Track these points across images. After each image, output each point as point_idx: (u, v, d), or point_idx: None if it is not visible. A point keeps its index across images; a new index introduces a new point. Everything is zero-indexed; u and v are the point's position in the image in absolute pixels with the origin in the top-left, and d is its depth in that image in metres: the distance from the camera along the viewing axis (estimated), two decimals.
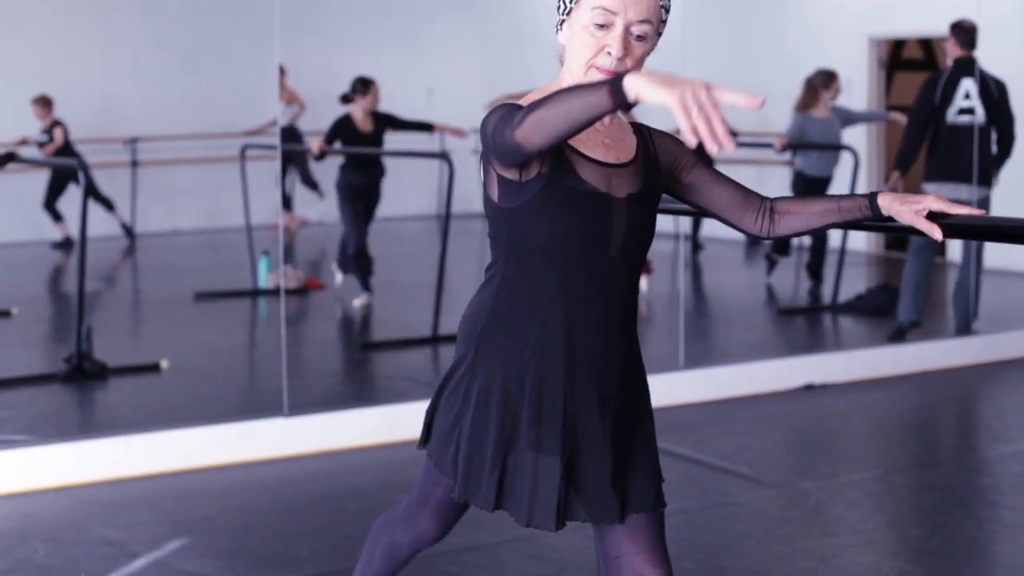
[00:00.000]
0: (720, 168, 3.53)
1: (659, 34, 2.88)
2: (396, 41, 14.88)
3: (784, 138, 10.46)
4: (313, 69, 13.75)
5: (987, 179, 8.80)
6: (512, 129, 2.67)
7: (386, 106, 10.21)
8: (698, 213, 3.17)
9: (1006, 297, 10.13)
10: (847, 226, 3.10)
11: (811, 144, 10.44)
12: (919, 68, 13.84)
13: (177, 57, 14.26)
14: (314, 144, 9.85)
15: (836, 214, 3.03)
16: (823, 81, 10.44)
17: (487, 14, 15.59)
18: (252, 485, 6.03)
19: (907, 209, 2.92)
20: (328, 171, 11.80)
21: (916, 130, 8.86)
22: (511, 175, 2.82)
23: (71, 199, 12.57)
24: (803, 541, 5.22)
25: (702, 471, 6.12)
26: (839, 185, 10.81)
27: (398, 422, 6.62)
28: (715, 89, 2.40)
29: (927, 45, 14.07)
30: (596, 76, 2.82)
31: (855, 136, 11.91)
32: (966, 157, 8.68)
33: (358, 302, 10.12)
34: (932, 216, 2.91)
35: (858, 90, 12.78)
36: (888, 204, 2.95)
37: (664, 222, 3.12)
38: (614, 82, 2.49)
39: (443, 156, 9.46)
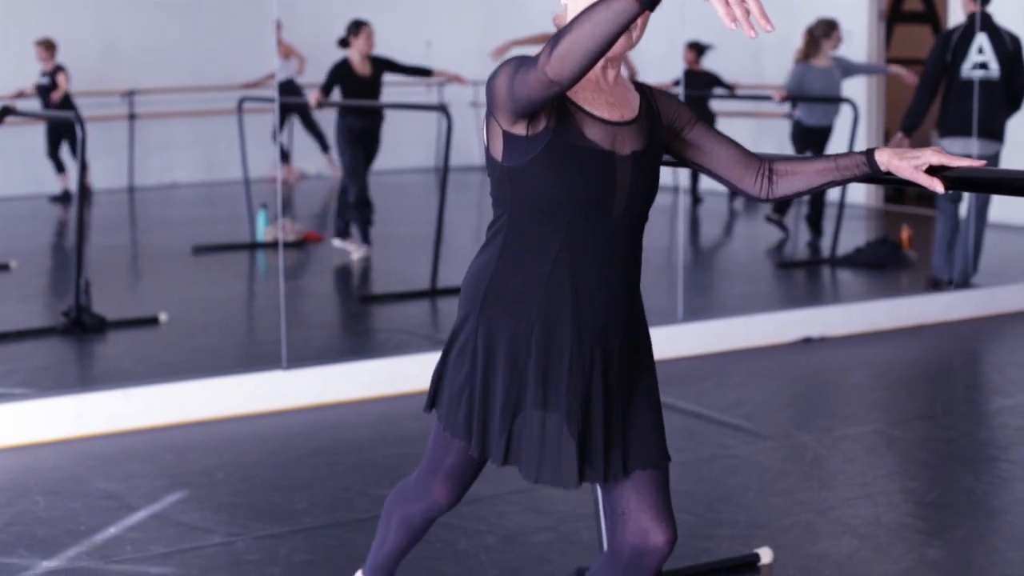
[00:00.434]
0: (720, 120, 3.52)
1: None
2: None
3: (783, 89, 10.42)
4: (311, 22, 13.70)
5: (999, 134, 8.78)
6: (541, 68, 2.64)
7: None
8: (698, 170, 3.16)
9: (1006, 251, 10.12)
10: (847, 183, 3.09)
11: (810, 96, 10.41)
12: (919, 21, 13.80)
13: (175, 9, 14.19)
14: (312, 95, 9.81)
15: (834, 172, 3.02)
16: (824, 31, 10.39)
17: None
18: (251, 438, 6.04)
19: (906, 164, 2.91)
20: (329, 122, 11.77)
21: (927, 86, 8.85)
22: (518, 130, 2.81)
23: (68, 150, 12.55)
24: (801, 493, 5.23)
25: (700, 424, 6.13)
26: (839, 136, 10.78)
27: (396, 375, 6.63)
28: None
29: None
30: None
31: (854, 89, 11.87)
32: (979, 112, 8.66)
33: (357, 254, 10.11)
34: (932, 170, 2.90)
35: (858, 42, 12.73)
36: (887, 160, 2.94)
37: (663, 175, 3.11)
38: None
39: (441, 109, 9.43)
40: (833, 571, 4.41)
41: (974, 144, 8.63)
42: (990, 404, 6.88)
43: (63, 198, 13.05)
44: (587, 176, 2.84)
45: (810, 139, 10.47)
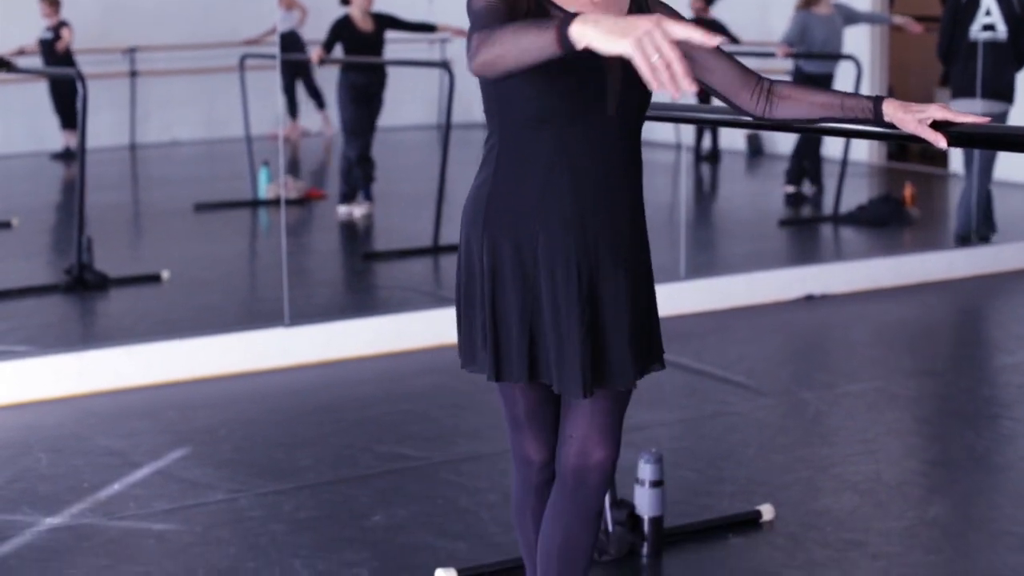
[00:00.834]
0: None
1: None
2: None
3: (786, 45, 10.38)
4: None
5: (1008, 95, 8.76)
6: (470, 59, 2.62)
7: None
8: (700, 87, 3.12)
9: (1010, 208, 10.10)
10: (850, 132, 3.08)
11: (813, 54, 10.36)
12: None
13: None
14: (314, 52, 9.77)
15: (838, 110, 3.00)
16: None
17: None
18: (253, 395, 6.05)
19: (911, 117, 2.90)
20: (329, 80, 11.74)
21: (942, 47, 8.92)
22: None
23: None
24: (802, 450, 5.24)
25: (702, 381, 6.14)
26: (840, 86, 10.74)
27: (399, 332, 6.63)
28: (667, 25, 2.30)
29: None
30: None
31: (857, 43, 11.81)
32: (987, 73, 8.65)
33: (359, 212, 10.09)
34: (936, 125, 2.89)
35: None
36: (892, 112, 2.93)
37: (666, 132, 3.09)
38: (563, 27, 2.40)
39: (443, 65, 9.39)
40: (834, 527, 4.42)
41: (979, 104, 8.61)
42: (992, 361, 6.89)
43: (64, 155, 13.03)
44: (575, 80, 2.80)
45: None
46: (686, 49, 3.00)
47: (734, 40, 12.01)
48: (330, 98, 11.88)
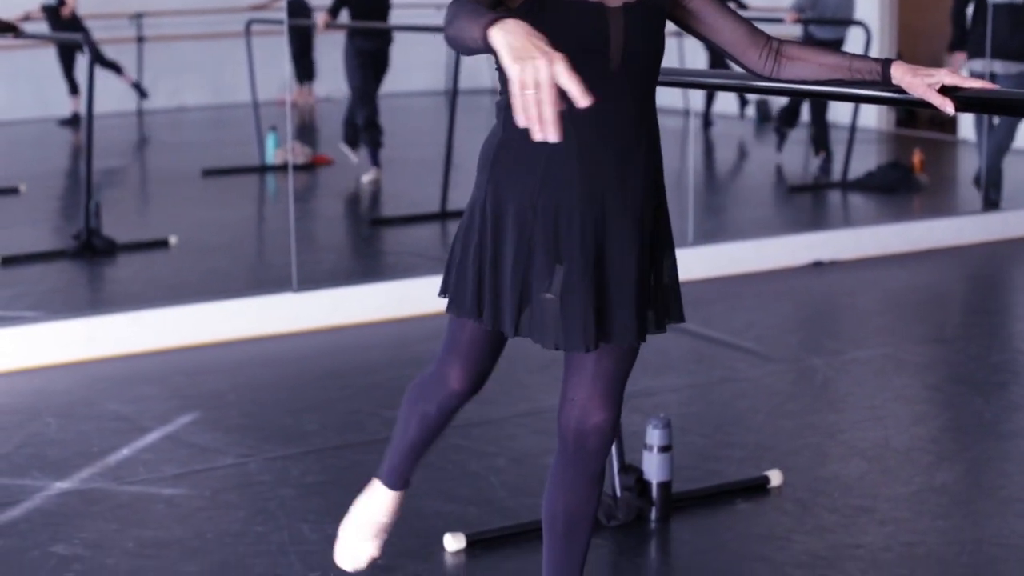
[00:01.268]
0: None
1: None
2: None
3: (795, 12, 10.33)
4: None
5: None
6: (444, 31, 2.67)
7: None
8: (703, 42, 3.10)
9: (1020, 174, 10.06)
10: (858, 97, 3.06)
11: (823, 19, 10.32)
12: None
13: None
14: (319, 17, 9.74)
15: (846, 72, 2.98)
16: None
17: None
18: (261, 360, 6.06)
19: (919, 82, 2.88)
20: (332, 45, 11.70)
21: (957, 9, 8.93)
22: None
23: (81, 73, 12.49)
24: (810, 416, 5.24)
25: (710, 347, 6.14)
26: (852, 49, 10.69)
27: (406, 297, 6.63)
28: (560, 71, 2.27)
29: None
30: None
31: (867, 9, 11.76)
32: (1004, 34, 8.62)
33: (366, 177, 10.09)
34: (945, 90, 2.87)
35: None
36: (901, 76, 2.91)
37: (674, 98, 3.08)
38: (490, 25, 2.39)
39: None
40: (842, 493, 4.42)
41: (998, 65, 8.60)
42: (1002, 328, 6.88)
43: (72, 121, 13.01)
44: (576, 30, 2.79)
45: None
46: (695, 7, 2.98)
47: (742, 5, 11.97)
48: (337, 63, 11.83)
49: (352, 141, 10.36)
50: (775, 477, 4.47)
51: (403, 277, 6.93)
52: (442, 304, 3.10)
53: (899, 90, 2.93)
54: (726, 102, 13.17)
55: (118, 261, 7.64)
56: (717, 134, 12.97)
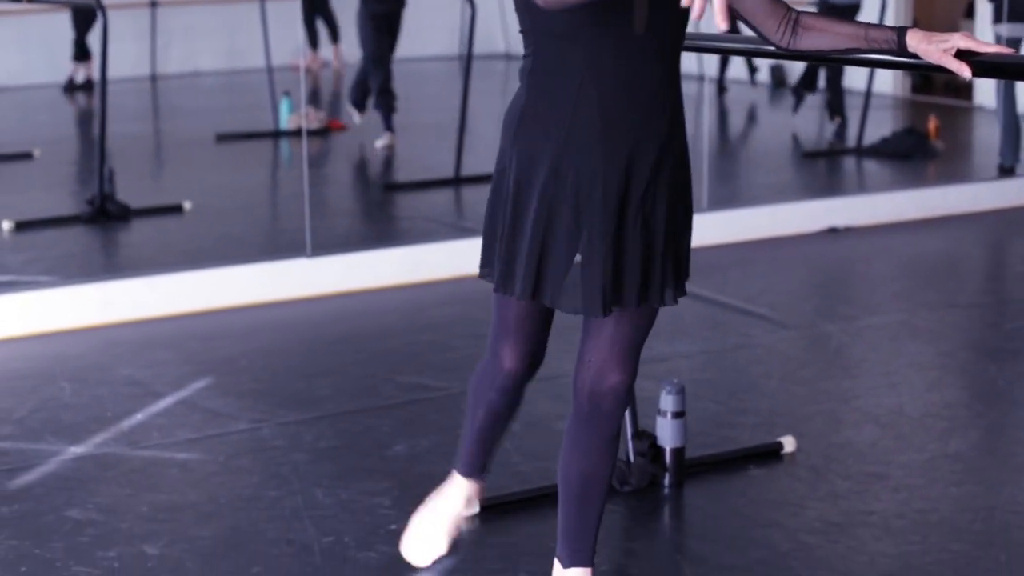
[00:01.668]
0: None
1: None
2: None
3: None
4: None
5: None
6: None
7: None
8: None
9: None
10: (875, 64, 3.04)
11: None
12: None
13: None
14: None
15: (863, 41, 2.97)
16: None
17: None
18: (275, 325, 6.06)
19: (934, 48, 2.86)
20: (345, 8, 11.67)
21: None
22: None
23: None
24: (824, 383, 5.24)
25: (724, 313, 6.13)
26: (866, 17, 10.63)
27: (420, 263, 6.63)
28: None
29: None
30: None
31: None
32: None
33: (380, 143, 10.07)
34: (961, 55, 2.85)
35: None
36: (916, 43, 2.89)
37: (688, 63, 3.06)
38: None
39: None
40: (855, 460, 4.42)
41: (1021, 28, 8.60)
42: (1016, 295, 6.86)
43: (84, 86, 13.00)
44: None
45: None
46: None
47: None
48: (349, 28, 11.80)
49: (360, 104, 10.34)
50: (788, 443, 4.47)
51: (417, 242, 6.92)
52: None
53: (915, 56, 2.91)
54: (738, 68, 13.12)
55: (132, 226, 7.64)
56: (731, 100, 12.92)
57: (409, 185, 8.76)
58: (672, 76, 2.92)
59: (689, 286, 3.12)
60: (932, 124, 10.05)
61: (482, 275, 3.03)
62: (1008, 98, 8.86)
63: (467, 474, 3.37)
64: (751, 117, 12.56)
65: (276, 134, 10.75)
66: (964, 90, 12.47)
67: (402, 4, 9.99)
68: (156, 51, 13.89)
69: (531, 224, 2.90)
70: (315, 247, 6.58)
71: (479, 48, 9.29)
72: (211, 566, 3.71)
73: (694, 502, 4.18)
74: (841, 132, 10.70)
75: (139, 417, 4.84)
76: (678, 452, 4.21)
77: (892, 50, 2.93)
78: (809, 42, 3.02)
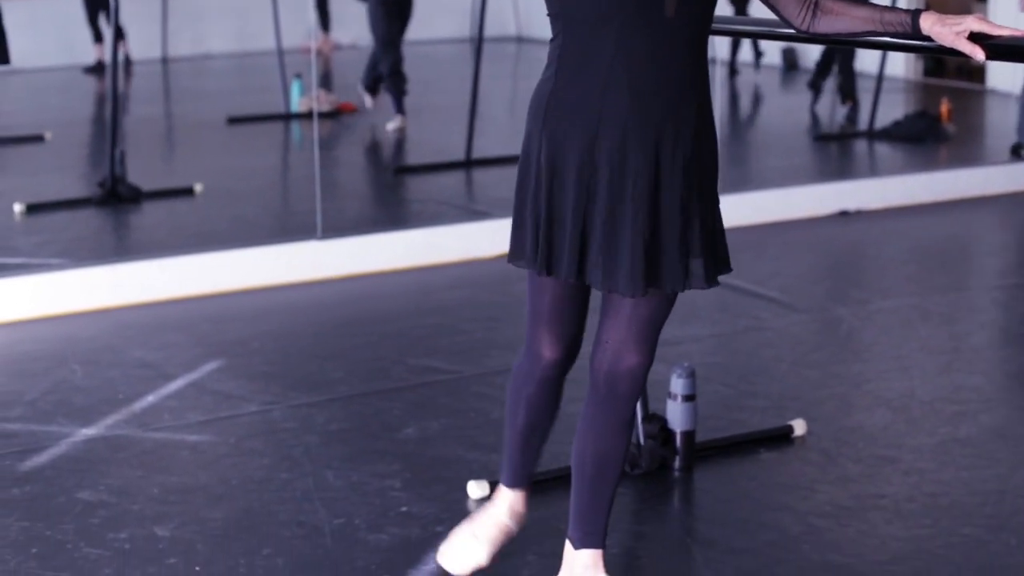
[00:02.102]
0: None
1: None
2: None
3: None
4: None
5: None
6: None
7: None
8: None
9: None
10: (889, 46, 3.03)
11: None
12: None
13: None
14: None
15: (878, 24, 2.97)
16: None
17: None
18: (286, 308, 6.07)
19: (948, 30, 2.86)
20: None
21: None
22: None
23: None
24: (835, 366, 5.23)
25: (735, 296, 6.12)
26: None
27: (431, 245, 6.63)
28: None
29: None
30: None
31: None
32: None
33: (391, 125, 10.06)
34: (974, 37, 2.84)
35: None
36: (929, 26, 2.89)
37: None
38: None
39: None
40: (866, 443, 4.42)
41: None
42: None
43: (96, 69, 12.99)
44: None
45: None
46: None
47: None
48: (360, 10, 11.79)
49: (372, 87, 10.34)
50: (799, 427, 4.46)
51: (428, 225, 6.92)
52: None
53: (929, 39, 2.91)
54: (747, 51, 13.09)
55: (143, 209, 7.64)
56: (742, 83, 12.89)
57: (420, 168, 8.75)
58: (700, 60, 2.93)
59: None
60: (944, 107, 10.02)
61: (516, 264, 3.02)
62: None
63: (511, 484, 3.36)
64: (759, 100, 12.53)
65: (287, 116, 10.74)
66: (976, 73, 12.43)
67: None
68: (167, 34, 13.88)
69: (571, 208, 2.90)
70: (326, 230, 6.58)
71: (490, 31, 9.27)
72: (222, 548, 3.72)
73: (704, 485, 4.18)
74: (853, 115, 10.67)
75: (150, 399, 4.85)
76: (688, 435, 4.21)
77: (906, 33, 2.93)
78: (827, 25, 3.03)
